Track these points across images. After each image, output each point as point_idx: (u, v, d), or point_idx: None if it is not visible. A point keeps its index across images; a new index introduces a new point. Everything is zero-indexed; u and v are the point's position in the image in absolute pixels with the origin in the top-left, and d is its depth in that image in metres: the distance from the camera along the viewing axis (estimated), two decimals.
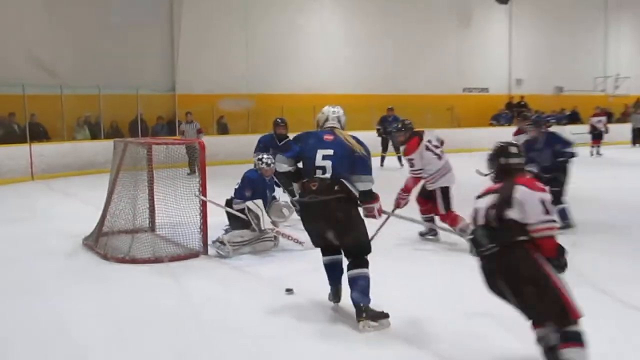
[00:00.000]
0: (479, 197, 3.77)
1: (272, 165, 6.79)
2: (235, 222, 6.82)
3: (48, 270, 6.11)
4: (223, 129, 17.68)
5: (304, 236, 5.44)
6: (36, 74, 14.06)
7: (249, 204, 6.67)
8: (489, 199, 3.64)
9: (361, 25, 20.07)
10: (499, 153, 3.82)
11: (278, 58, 18.58)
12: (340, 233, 4.56)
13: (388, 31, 20.36)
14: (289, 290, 5.18)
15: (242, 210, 6.75)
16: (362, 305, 4.42)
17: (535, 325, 3.54)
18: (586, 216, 7.85)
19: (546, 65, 23.91)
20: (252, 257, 6.47)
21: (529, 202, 3.48)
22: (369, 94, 19.18)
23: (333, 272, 4.83)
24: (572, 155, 7.53)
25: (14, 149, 13.30)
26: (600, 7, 25.12)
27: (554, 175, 7.28)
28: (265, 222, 6.62)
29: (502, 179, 3.75)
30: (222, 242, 6.52)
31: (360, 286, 4.48)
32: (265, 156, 7.05)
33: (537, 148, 7.38)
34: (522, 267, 3.47)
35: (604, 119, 19.62)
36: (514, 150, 3.82)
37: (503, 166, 3.78)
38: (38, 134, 14.27)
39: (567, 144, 7.62)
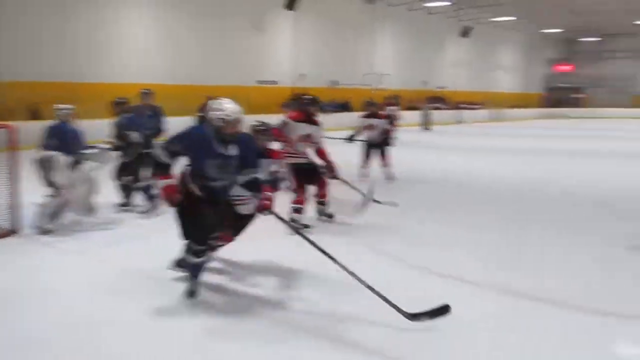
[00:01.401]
0: None
1: None
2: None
3: None
4: (34, 116, 16.23)
5: None
6: None
7: None
8: None
9: (170, 23, 19.45)
10: None
11: (95, 49, 17.35)
12: None
13: (194, 32, 20.07)
14: None
15: None
16: None
17: None
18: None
19: (325, 62, 25.20)
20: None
21: None
22: (177, 84, 18.80)
23: None
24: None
25: None
26: (368, 17, 26.96)
27: None
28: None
29: None
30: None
31: None
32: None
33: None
34: None
35: (395, 108, 19.91)
36: None
37: None
38: None
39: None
